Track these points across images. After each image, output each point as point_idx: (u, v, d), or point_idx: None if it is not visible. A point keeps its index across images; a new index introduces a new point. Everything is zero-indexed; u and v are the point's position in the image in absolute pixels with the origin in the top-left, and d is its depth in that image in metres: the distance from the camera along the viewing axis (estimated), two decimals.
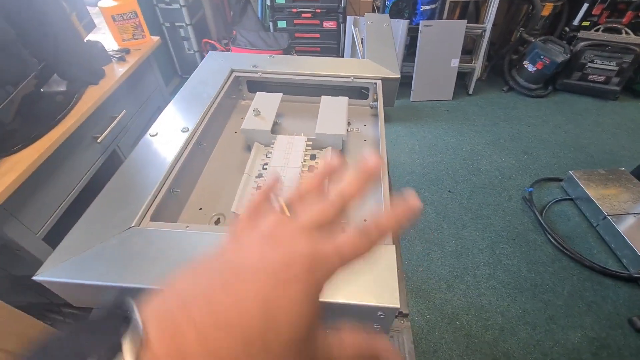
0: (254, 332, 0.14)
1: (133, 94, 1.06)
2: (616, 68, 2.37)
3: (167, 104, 0.78)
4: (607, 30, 2.40)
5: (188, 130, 0.72)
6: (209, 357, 0.14)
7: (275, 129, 0.87)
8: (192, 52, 2.42)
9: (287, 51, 2.19)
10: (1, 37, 0.62)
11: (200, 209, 0.68)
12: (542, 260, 1.54)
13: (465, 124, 2.31)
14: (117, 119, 0.94)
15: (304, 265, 0.16)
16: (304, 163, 0.70)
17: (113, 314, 0.14)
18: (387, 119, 2.35)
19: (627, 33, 2.36)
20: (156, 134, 0.71)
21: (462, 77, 2.62)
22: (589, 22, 2.42)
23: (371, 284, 0.46)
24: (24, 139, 0.75)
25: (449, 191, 1.85)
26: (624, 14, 2.35)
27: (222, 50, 2.44)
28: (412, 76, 2.42)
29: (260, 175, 0.70)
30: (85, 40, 0.99)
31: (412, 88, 2.46)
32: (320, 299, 0.17)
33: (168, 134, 0.71)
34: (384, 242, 0.51)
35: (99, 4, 1.04)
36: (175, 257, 0.48)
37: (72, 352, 0.13)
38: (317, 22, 2.33)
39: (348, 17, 2.21)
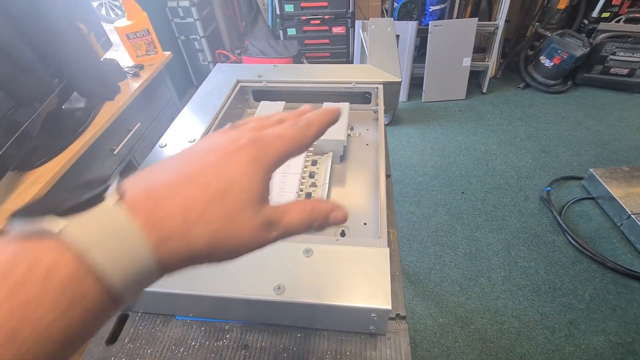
0: (213, 188, 0.18)
1: (147, 107, 1.12)
2: None
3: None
4: (629, 20, 2.30)
5: (195, 140, 0.76)
6: (177, 201, 0.17)
7: None
8: (206, 63, 2.51)
9: (297, 58, 2.23)
10: (24, 60, 0.68)
11: None
12: (562, 262, 1.49)
13: (480, 124, 2.27)
14: (132, 131, 1.00)
15: (248, 141, 0.21)
16: (305, 169, 0.72)
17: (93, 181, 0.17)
18: (398, 121, 2.34)
19: None
20: (165, 145, 0.75)
21: (476, 76, 2.57)
22: (609, 13, 2.32)
23: (365, 287, 0.48)
24: (47, 152, 0.81)
25: (463, 192, 1.82)
26: None
27: (235, 60, 2.52)
28: (423, 77, 2.40)
29: None
30: (102, 58, 1.06)
31: (424, 89, 2.44)
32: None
33: (176, 144, 0.75)
34: (379, 245, 0.53)
35: (115, 23, 1.11)
36: None
37: (59, 201, 0.15)
38: (326, 28, 2.36)
39: (357, 22, 2.23)
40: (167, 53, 1.22)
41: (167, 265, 0.17)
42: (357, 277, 0.48)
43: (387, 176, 0.76)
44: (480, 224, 1.66)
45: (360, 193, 0.71)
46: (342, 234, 0.63)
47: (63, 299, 0.14)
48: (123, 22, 1.12)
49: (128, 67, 1.11)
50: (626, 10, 2.30)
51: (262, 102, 0.89)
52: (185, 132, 0.78)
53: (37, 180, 0.75)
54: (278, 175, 0.71)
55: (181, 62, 2.53)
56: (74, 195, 0.15)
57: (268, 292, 0.46)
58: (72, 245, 0.14)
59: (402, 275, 0.62)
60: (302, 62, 2.38)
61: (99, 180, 0.17)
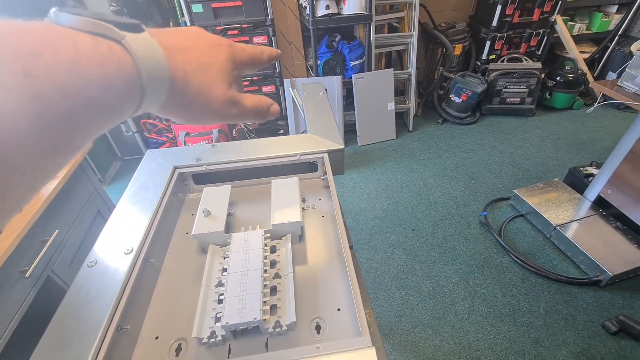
0: (204, 60, 0.27)
1: (66, 207, 0.96)
2: (526, 90, 2.70)
3: (107, 204, 0.71)
4: (511, 60, 2.76)
5: (132, 250, 0.66)
6: (180, 58, 0.25)
7: (230, 220, 0.83)
8: (130, 133, 2.35)
9: None
10: None
11: (157, 337, 0.60)
12: (513, 281, 1.59)
13: (413, 160, 2.44)
14: (49, 243, 0.84)
15: (227, 44, 0.30)
16: (265, 261, 0.67)
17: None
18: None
19: (526, 60, 2.73)
20: (95, 263, 0.64)
21: (401, 116, 2.81)
22: (494, 56, 2.77)
23: None
24: None
25: (413, 229, 1.89)
26: (520, 46, 2.74)
27: (164, 127, 2.40)
28: (354, 123, 2.55)
29: (220, 284, 0.65)
30: None
31: (358, 134, 2.57)
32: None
33: (109, 260, 0.64)
34: (363, 344, 0.49)
35: None
36: None
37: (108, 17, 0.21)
38: (256, 88, 2.40)
39: (285, 80, 2.31)
40: None
41: (175, 79, 0.24)
42: None
43: (350, 247, 0.74)
44: (436, 259, 1.72)
45: (326, 272, 0.67)
46: (317, 328, 0.58)
47: (121, 78, 0.21)
48: None
49: None
50: (506, 52, 2.76)
51: (205, 189, 0.82)
52: (117, 242, 0.67)
53: None
54: (238, 275, 0.64)
55: (102, 136, 2.34)
56: (117, 20, 0.22)
57: None
58: (131, 50, 0.21)
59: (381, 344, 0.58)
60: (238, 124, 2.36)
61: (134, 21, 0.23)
